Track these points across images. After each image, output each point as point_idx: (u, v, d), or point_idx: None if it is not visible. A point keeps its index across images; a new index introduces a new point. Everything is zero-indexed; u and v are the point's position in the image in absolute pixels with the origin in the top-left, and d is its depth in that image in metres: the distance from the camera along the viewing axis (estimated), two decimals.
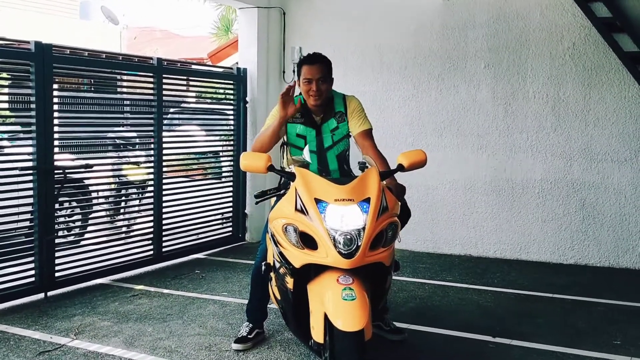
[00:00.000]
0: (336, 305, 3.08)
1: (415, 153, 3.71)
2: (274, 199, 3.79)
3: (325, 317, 3.11)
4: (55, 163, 5.29)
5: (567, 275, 6.16)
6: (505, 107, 6.73)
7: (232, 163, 7.37)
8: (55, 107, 5.31)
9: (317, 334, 3.18)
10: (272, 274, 3.68)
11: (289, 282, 3.37)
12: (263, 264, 3.78)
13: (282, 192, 3.60)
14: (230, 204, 7.33)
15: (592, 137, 6.40)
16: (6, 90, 5.79)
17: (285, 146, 4.14)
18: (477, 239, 6.93)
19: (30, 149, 5.16)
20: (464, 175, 6.94)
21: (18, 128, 5.81)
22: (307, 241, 3.24)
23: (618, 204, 6.33)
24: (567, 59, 6.46)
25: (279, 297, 3.65)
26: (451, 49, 6.93)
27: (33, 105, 5.10)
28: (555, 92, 6.52)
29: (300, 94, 4.08)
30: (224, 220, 7.33)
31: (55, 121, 5.28)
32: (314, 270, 3.29)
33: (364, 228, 3.17)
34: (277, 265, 3.49)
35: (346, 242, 3.13)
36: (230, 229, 7.38)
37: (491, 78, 6.78)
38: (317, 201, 3.24)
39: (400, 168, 3.68)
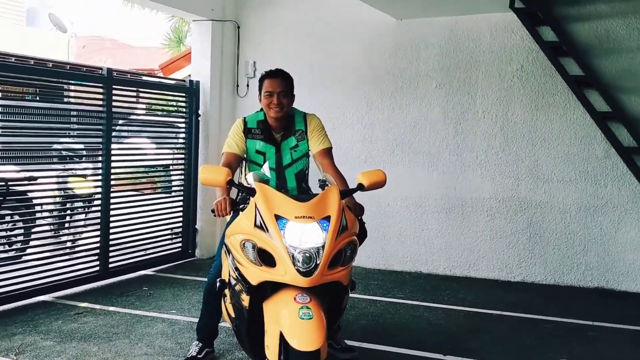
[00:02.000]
0: (293, 324, 3.04)
1: (375, 173, 3.72)
2: (229, 215, 3.73)
3: (281, 336, 3.06)
4: None
5: (515, 292, 6.28)
6: (456, 126, 6.85)
7: (182, 177, 7.25)
8: None
9: (272, 353, 3.12)
10: (226, 291, 3.61)
11: (245, 299, 3.30)
12: (217, 280, 3.70)
13: (240, 207, 3.55)
14: (180, 219, 7.20)
15: (539, 157, 6.57)
16: None
17: (244, 162, 4.09)
18: (427, 256, 7.00)
19: None
20: (415, 193, 7.01)
21: None
22: (265, 258, 3.19)
23: (563, 223, 6.51)
24: (515, 80, 6.63)
25: (233, 315, 3.58)
26: (404, 68, 7.03)
27: None
28: (503, 112, 6.68)
29: (261, 110, 4.06)
30: (174, 236, 7.19)
31: None
32: (270, 288, 3.24)
33: (323, 246, 3.15)
34: (233, 282, 3.43)
35: (305, 260, 3.09)
36: (180, 244, 7.24)
37: (442, 97, 6.89)
38: (277, 217, 3.21)
39: (360, 187, 3.69)
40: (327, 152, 4.07)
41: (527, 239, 6.62)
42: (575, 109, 6.41)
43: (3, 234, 6.05)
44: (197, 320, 4.31)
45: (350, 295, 3.63)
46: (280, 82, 3.95)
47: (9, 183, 5.32)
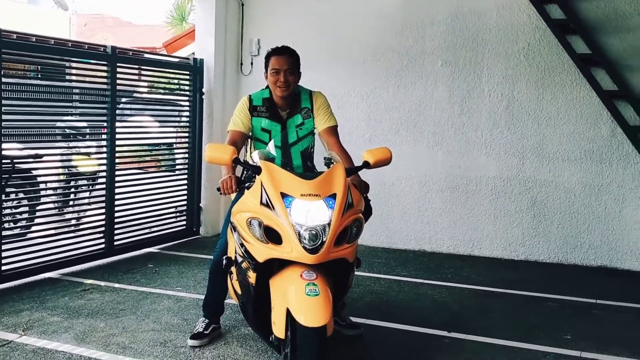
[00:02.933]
0: (299, 301, 3.06)
1: (380, 151, 3.72)
2: (235, 193, 3.73)
3: (288, 312, 3.09)
4: (3, 152, 5.08)
5: (519, 270, 6.30)
6: (461, 105, 6.82)
7: (186, 155, 7.24)
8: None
9: (279, 329, 3.15)
10: (232, 269, 3.63)
11: (252, 276, 3.32)
12: (224, 258, 3.72)
13: (246, 185, 3.55)
14: (185, 197, 7.21)
15: (545, 136, 6.55)
16: None
17: (249, 140, 4.08)
18: (431, 235, 7.01)
19: None
20: (420, 172, 7.00)
21: None
22: (271, 235, 3.20)
23: (568, 202, 6.50)
24: (521, 59, 6.59)
25: (239, 292, 3.60)
26: (409, 46, 6.98)
27: None
28: (509, 91, 6.64)
29: (267, 87, 4.04)
30: (178, 214, 7.20)
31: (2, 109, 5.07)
32: (277, 265, 3.26)
33: (329, 224, 3.15)
34: (239, 259, 3.44)
35: (311, 238, 3.10)
36: (185, 222, 7.26)
37: (448, 76, 6.85)
38: (283, 195, 3.21)
39: (366, 165, 3.68)
40: (333, 130, 4.06)
41: (531, 217, 6.63)
42: (581, 88, 6.38)
43: (8, 211, 6.06)
44: (202, 297, 4.33)
45: (355, 272, 3.64)
46: (286, 60, 3.93)
47: (14, 161, 5.31)
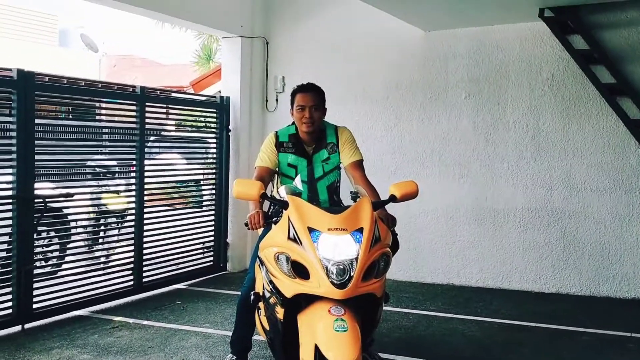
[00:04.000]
0: (328, 337, 3.03)
1: (407, 184, 3.72)
2: (263, 228, 3.76)
3: (316, 348, 3.06)
4: (35, 192, 5.20)
5: (550, 303, 6.18)
6: (486, 137, 6.81)
7: (213, 191, 7.32)
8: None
9: None
10: (260, 304, 3.63)
11: (279, 312, 3.31)
12: (252, 293, 3.72)
13: (273, 220, 3.57)
14: (212, 233, 7.26)
15: (572, 166, 6.49)
16: None
17: (276, 175, 4.13)
18: (459, 268, 6.94)
19: (9, 178, 5.07)
20: (446, 204, 6.97)
21: None
22: (299, 270, 3.20)
23: (598, 233, 6.40)
24: (546, 89, 6.58)
25: (267, 328, 3.59)
26: (432, 80, 7.02)
27: (14, 133, 5.03)
28: (535, 122, 6.62)
29: (293, 123, 4.10)
30: (205, 250, 7.25)
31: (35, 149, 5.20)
32: (304, 301, 3.25)
33: (356, 258, 3.14)
34: (267, 294, 3.44)
35: (339, 272, 3.10)
36: (212, 258, 7.30)
37: (472, 108, 6.86)
38: (310, 230, 3.22)
39: (393, 199, 3.68)
40: (359, 165, 4.08)
41: (561, 249, 6.52)
42: (608, 117, 6.33)
43: (40, 249, 6.16)
44: (230, 333, 4.33)
45: (384, 307, 3.61)
46: (312, 96, 3.99)
47: (46, 200, 5.42)
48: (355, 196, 3.77)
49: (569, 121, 6.50)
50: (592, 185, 6.41)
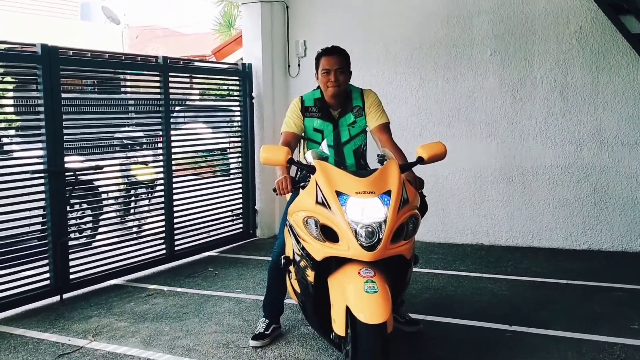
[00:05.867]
0: (359, 298, 3.07)
1: (434, 145, 3.69)
2: (290, 193, 3.78)
3: (347, 310, 3.11)
4: (66, 165, 5.29)
5: (581, 260, 6.14)
6: (513, 94, 6.70)
7: (240, 159, 7.36)
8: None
9: (339, 327, 3.17)
10: (291, 268, 3.68)
11: (310, 275, 3.36)
12: (282, 257, 3.77)
13: (300, 185, 3.59)
14: (240, 201, 7.33)
15: (602, 121, 6.36)
16: (11, 94, 5.76)
17: (302, 140, 4.13)
18: (488, 228, 6.91)
19: (40, 152, 5.16)
20: (474, 164, 6.91)
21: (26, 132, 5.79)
22: (328, 234, 3.23)
23: (630, 188, 6.30)
24: (574, 43, 6.42)
25: (298, 291, 3.64)
26: (456, 37, 6.90)
27: (41, 109, 5.10)
28: (563, 76, 6.48)
29: (318, 88, 4.08)
30: (234, 217, 7.33)
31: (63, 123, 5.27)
32: (334, 263, 3.29)
33: (385, 220, 3.16)
34: (297, 258, 3.49)
35: (368, 235, 3.12)
36: (241, 225, 7.38)
37: (498, 65, 6.74)
38: (338, 194, 3.23)
39: (420, 161, 3.67)
40: (385, 127, 4.06)
41: (592, 205, 6.45)
42: (639, 69, 6.17)
43: (73, 222, 6.30)
44: (262, 298, 4.41)
45: (413, 269, 3.63)
46: (337, 59, 3.96)
47: (77, 173, 5.51)
48: (382, 159, 3.76)
49: (598, 74, 6.35)
50: (623, 139, 6.29)
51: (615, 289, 5.18)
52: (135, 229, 6.56)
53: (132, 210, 7.06)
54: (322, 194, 3.28)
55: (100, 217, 6.58)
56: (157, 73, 6.23)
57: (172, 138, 6.35)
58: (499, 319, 4.53)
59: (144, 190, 7.13)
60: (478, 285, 5.45)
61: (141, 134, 6.88)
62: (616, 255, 6.28)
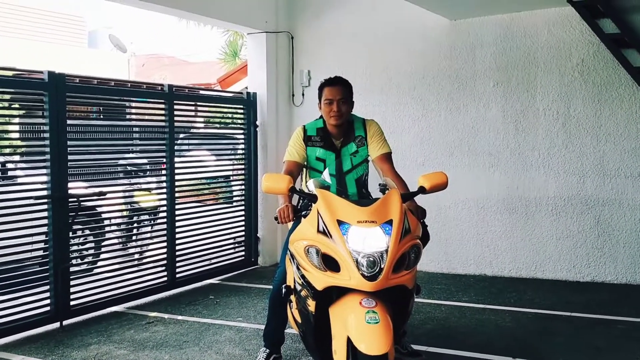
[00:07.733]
0: (360, 329, 3.05)
1: (436, 175, 3.70)
2: (292, 222, 3.78)
3: (348, 340, 3.08)
4: (69, 191, 5.30)
5: (584, 293, 6.10)
6: (516, 125, 6.73)
7: (243, 187, 7.38)
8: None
9: (340, 358, 3.14)
10: (292, 297, 3.66)
11: (311, 304, 3.33)
12: (283, 286, 3.75)
13: (302, 213, 3.59)
14: (243, 228, 7.33)
15: (605, 152, 6.38)
16: (17, 120, 5.81)
17: (305, 169, 4.15)
18: (491, 258, 6.88)
19: (44, 178, 5.18)
20: (477, 194, 6.91)
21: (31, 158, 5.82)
22: (330, 263, 3.21)
23: (633, 220, 6.28)
24: (576, 75, 6.47)
25: (299, 321, 3.61)
26: (459, 69, 6.96)
27: (47, 135, 5.14)
28: (565, 108, 6.52)
29: (321, 117, 4.11)
30: (237, 245, 7.31)
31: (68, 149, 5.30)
32: (336, 293, 3.27)
33: (387, 250, 3.15)
34: (298, 287, 3.47)
35: (369, 264, 3.10)
36: (243, 253, 7.36)
37: (500, 96, 6.78)
38: (340, 223, 3.23)
39: (422, 190, 3.67)
40: (387, 157, 4.08)
41: (596, 237, 6.42)
42: None
43: (75, 247, 6.30)
44: (263, 326, 4.37)
45: (415, 299, 3.61)
46: (339, 90, 4.00)
47: (80, 199, 5.52)
48: (384, 188, 3.77)
49: (600, 107, 6.38)
50: (626, 171, 6.30)
51: (618, 322, 5.13)
52: (137, 256, 6.55)
53: (134, 237, 7.05)
54: (324, 223, 3.27)
55: (102, 244, 6.57)
56: (163, 101, 6.28)
57: (176, 165, 6.37)
58: (502, 351, 4.48)
59: (146, 216, 7.13)
60: (481, 316, 5.41)
61: (145, 160, 6.91)
62: (620, 287, 6.23)
